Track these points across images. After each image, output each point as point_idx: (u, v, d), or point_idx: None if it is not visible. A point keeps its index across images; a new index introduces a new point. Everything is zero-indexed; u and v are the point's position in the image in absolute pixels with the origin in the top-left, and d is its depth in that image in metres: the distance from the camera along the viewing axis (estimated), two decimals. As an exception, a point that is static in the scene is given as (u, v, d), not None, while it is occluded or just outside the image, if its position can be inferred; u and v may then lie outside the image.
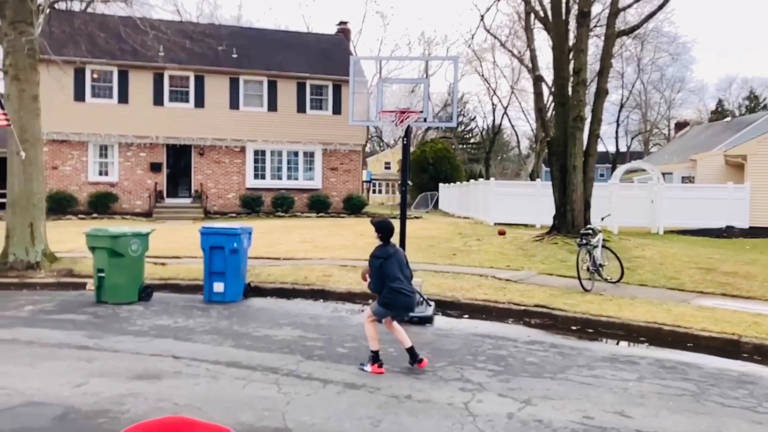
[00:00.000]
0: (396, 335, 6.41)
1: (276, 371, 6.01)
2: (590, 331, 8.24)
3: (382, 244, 6.38)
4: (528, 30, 20.47)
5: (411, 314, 8.42)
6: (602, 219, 12.91)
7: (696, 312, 8.69)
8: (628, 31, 21.22)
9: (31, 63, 11.87)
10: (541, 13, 18.00)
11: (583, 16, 16.34)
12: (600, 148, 22.62)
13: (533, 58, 19.77)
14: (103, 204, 25.54)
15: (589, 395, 5.56)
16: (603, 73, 17.33)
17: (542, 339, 7.73)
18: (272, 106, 28.26)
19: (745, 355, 7.19)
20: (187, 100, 27.21)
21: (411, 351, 6.27)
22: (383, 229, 6.41)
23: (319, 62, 29.31)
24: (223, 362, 6.28)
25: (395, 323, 6.46)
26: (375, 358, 6.15)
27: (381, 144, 68.91)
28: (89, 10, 14.59)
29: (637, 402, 5.42)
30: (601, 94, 17.03)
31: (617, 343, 7.85)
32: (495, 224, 21.92)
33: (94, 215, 24.85)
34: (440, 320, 8.67)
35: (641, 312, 8.60)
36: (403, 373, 6.06)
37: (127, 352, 6.63)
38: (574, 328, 8.37)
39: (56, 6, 13.66)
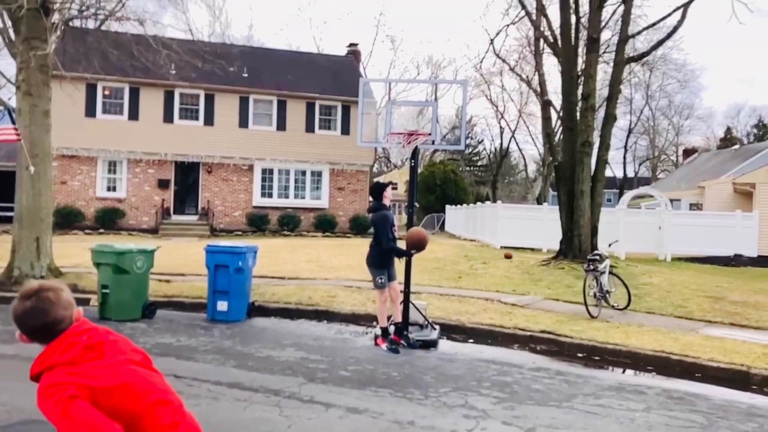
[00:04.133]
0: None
1: (278, 393, 5.94)
2: (597, 358, 8.14)
3: None
4: (537, 55, 20.56)
5: (416, 338, 8.37)
6: (609, 245, 12.84)
7: (704, 341, 8.57)
8: (637, 58, 21.24)
9: (43, 79, 11.99)
10: (551, 39, 18.08)
11: (593, 43, 16.41)
12: (608, 173, 22.63)
13: (542, 83, 19.81)
14: (110, 219, 25.64)
15: (596, 425, 5.46)
16: (612, 98, 17.34)
17: (548, 366, 7.63)
18: (281, 125, 28.42)
19: (754, 387, 7.06)
20: (196, 118, 27.41)
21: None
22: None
23: (328, 83, 29.51)
24: (224, 383, 6.22)
25: None
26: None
27: (388, 164, 69.06)
28: (103, 27, 14.72)
29: (645, 433, 5.31)
30: (610, 119, 17.03)
31: (624, 372, 7.74)
32: (501, 247, 21.84)
33: (101, 231, 24.94)
34: (445, 344, 8.58)
35: (648, 340, 8.49)
36: (406, 399, 5.98)
37: (129, 371, 6.57)
38: (580, 355, 8.27)
39: (70, 23, 13.81)
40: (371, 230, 7.86)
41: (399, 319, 7.67)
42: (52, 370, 2.07)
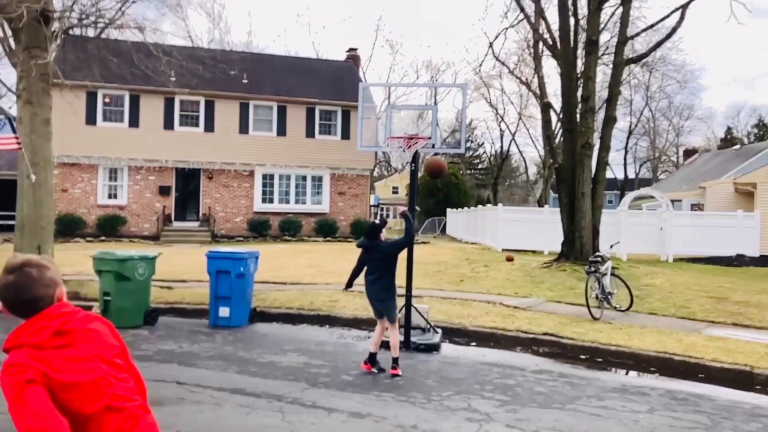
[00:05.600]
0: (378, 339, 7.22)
1: (280, 399, 5.94)
2: (599, 360, 8.12)
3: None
4: (536, 58, 20.59)
5: (418, 341, 8.36)
6: (611, 246, 12.82)
7: (707, 342, 8.55)
8: (637, 60, 21.28)
9: (43, 87, 12.01)
10: (550, 41, 18.12)
11: (592, 45, 16.44)
12: (608, 174, 22.60)
13: (541, 86, 19.83)
14: (111, 227, 25.65)
15: (599, 427, 5.45)
16: (611, 100, 17.36)
17: (551, 368, 7.62)
18: (281, 130, 28.45)
19: (758, 387, 7.04)
20: (197, 125, 27.45)
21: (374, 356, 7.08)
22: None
23: (328, 88, 29.56)
24: (227, 389, 6.21)
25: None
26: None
27: (389, 168, 69.14)
28: (102, 35, 14.77)
29: (648, 435, 5.30)
30: (610, 121, 17.04)
31: (627, 373, 7.73)
32: (503, 250, 21.82)
33: (102, 238, 24.94)
34: (447, 348, 8.57)
35: (651, 341, 8.47)
36: (409, 402, 5.97)
37: (131, 378, 6.56)
38: (583, 357, 8.26)
39: (70, 32, 13.85)
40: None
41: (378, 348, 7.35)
42: (20, 349, 2.04)
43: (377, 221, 7.43)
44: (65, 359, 2.05)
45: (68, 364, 2.05)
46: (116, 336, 2.26)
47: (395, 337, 7.23)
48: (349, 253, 19.75)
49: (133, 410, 2.12)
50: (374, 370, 7.00)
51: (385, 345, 7.77)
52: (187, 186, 27.66)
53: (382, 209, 55.58)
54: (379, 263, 7.20)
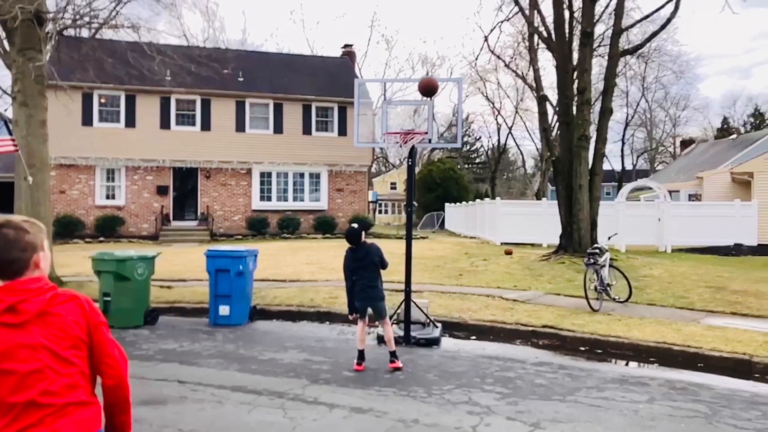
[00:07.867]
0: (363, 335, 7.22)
1: (282, 395, 5.96)
2: (599, 351, 8.15)
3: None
4: (532, 51, 20.59)
5: (418, 336, 8.38)
6: (609, 238, 12.84)
7: (706, 331, 8.59)
8: (632, 51, 21.30)
9: (39, 89, 12.00)
10: (545, 34, 18.11)
11: (587, 36, 16.43)
12: (605, 166, 22.65)
13: (537, 78, 19.84)
14: (110, 227, 25.64)
15: (599, 418, 5.48)
16: (607, 92, 17.37)
17: (551, 360, 7.65)
18: (278, 128, 28.43)
19: (756, 375, 7.08)
20: (193, 124, 27.42)
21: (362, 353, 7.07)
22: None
23: (324, 84, 29.53)
24: (228, 387, 6.23)
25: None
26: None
27: (387, 164, 69.11)
28: (97, 36, 14.73)
29: (649, 425, 5.33)
30: (606, 113, 17.06)
31: (627, 364, 7.76)
32: (501, 244, 21.87)
33: (101, 239, 24.94)
34: (447, 342, 8.60)
35: (650, 332, 8.50)
36: (410, 397, 6.00)
37: (132, 377, 6.53)
38: (582, 348, 8.29)
39: (65, 33, 13.82)
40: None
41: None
42: None
43: (356, 225, 7.23)
44: (7, 341, 1.97)
45: (8, 347, 1.96)
46: (89, 323, 2.15)
47: (389, 330, 7.25)
48: (348, 249, 19.78)
49: (59, 407, 2.02)
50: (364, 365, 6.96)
51: (380, 339, 7.82)
52: (184, 185, 27.66)
53: (379, 205, 55.56)
54: (371, 267, 7.08)
